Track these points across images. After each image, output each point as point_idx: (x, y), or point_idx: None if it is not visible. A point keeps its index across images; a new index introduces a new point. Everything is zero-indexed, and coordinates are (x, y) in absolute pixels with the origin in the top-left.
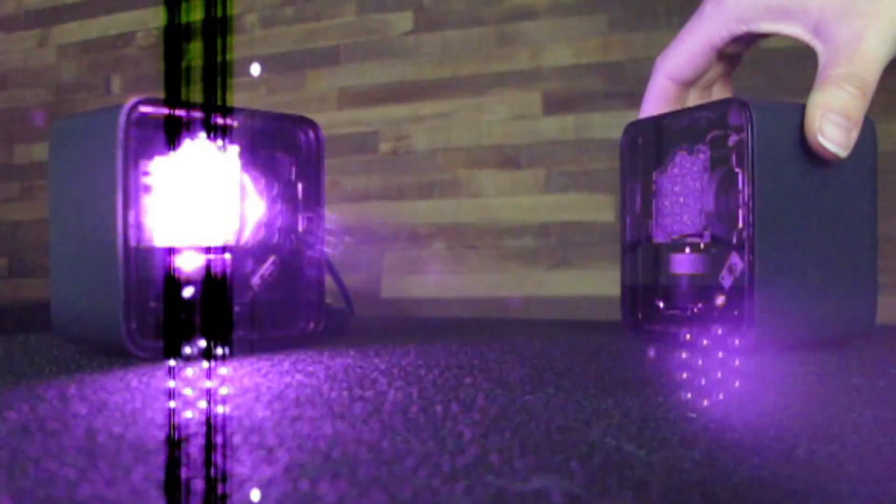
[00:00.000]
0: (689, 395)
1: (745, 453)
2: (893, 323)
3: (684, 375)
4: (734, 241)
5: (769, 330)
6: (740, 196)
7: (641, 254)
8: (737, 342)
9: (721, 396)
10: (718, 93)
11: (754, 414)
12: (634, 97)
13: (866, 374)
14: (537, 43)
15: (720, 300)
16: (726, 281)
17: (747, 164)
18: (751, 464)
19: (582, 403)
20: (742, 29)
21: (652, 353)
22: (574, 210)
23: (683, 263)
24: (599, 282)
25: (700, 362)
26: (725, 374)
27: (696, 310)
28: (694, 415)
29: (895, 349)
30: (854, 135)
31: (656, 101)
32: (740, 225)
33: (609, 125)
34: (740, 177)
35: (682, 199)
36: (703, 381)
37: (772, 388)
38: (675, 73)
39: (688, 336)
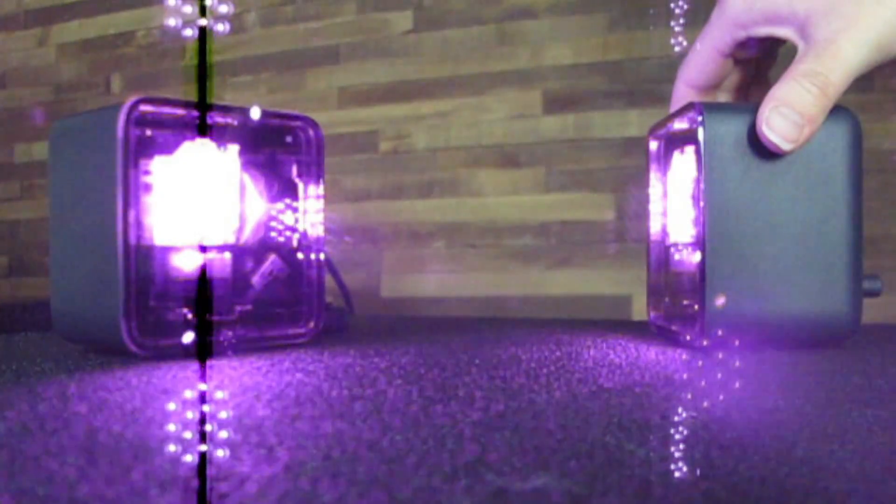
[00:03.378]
0: (689, 395)
1: (744, 452)
2: (894, 322)
3: (684, 375)
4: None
5: (722, 327)
6: (695, 196)
7: (663, 253)
8: (688, 338)
9: (721, 396)
10: (755, 95)
11: (754, 413)
12: (634, 96)
13: (866, 373)
14: (537, 42)
15: (720, 300)
16: (700, 278)
17: (698, 164)
18: (750, 463)
19: (581, 402)
20: (742, 34)
21: (652, 352)
22: (574, 209)
23: (679, 262)
24: (599, 281)
25: (700, 362)
26: (725, 374)
27: (694, 308)
28: (694, 413)
29: (894, 349)
30: (807, 132)
31: (678, 106)
32: (699, 223)
33: (609, 124)
34: (696, 177)
35: (676, 200)
36: (703, 381)
37: (772, 388)
38: (690, 80)
39: (688, 336)
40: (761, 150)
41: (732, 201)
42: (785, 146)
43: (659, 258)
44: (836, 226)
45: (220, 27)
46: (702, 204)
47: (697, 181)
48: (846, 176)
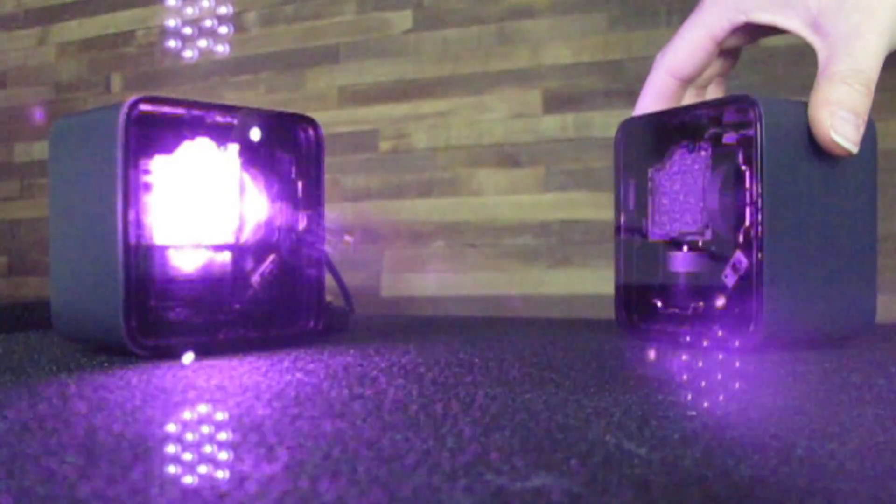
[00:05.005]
0: (689, 395)
1: (744, 452)
2: (893, 321)
3: (684, 376)
4: (741, 239)
5: (775, 328)
6: (747, 194)
7: (637, 252)
8: (737, 342)
9: (721, 396)
10: (713, 93)
11: (754, 412)
12: (634, 96)
13: (866, 372)
14: (537, 41)
15: (720, 301)
16: (730, 279)
17: (756, 161)
18: (750, 462)
19: (582, 402)
20: (741, 19)
21: (652, 352)
22: (574, 208)
23: (682, 262)
24: (599, 280)
25: (700, 362)
26: (725, 374)
27: (695, 308)
28: (694, 413)
29: (894, 349)
30: (861, 130)
31: (655, 97)
32: (747, 223)
33: (609, 124)
34: (747, 174)
35: (681, 197)
36: (703, 381)
37: (772, 387)
38: (676, 68)
39: (687, 337)
40: (810, 146)
41: (787, 200)
42: (854, 149)
43: (642, 257)
44: (865, 224)
45: (220, 48)
46: (759, 202)
47: (751, 178)
48: (869, 174)
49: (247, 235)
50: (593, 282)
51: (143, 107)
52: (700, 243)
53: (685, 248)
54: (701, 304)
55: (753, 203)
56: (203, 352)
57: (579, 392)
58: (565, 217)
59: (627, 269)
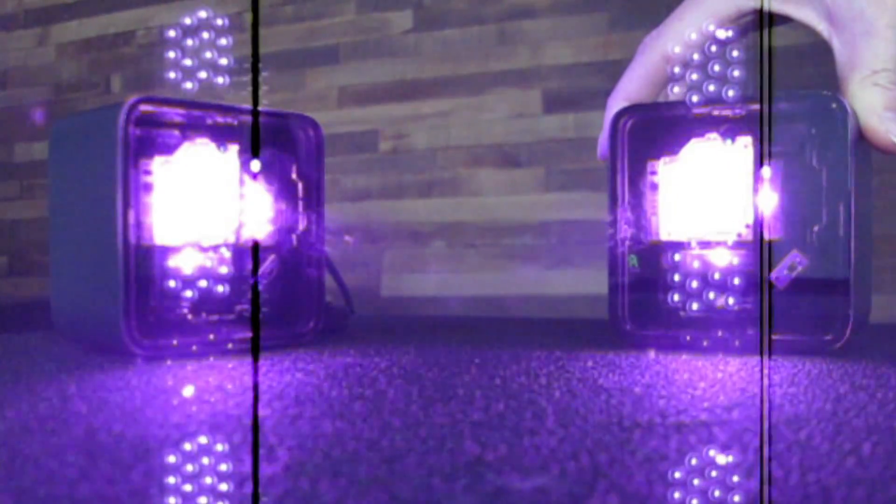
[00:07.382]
0: (689, 395)
1: (744, 453)
2: (892, 321)
3: (685, 376)
4: (807, 238)
5: (855, 329)
6: (823, 192)
7: (636, 250)
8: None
9: (721, 396)
10: (675, 93)
11: (754, 413)
12: None
13: (865, 372)
14: (537, 41)
15: (721, 301)
16: (782, 280)
17: (848, 159)
18: (750, 463)
19: (582, 402)
20: (750, 5)
21: (651, 352)
22: (574, 209)
23: (703, 262)
24: (600, 280)
25: (700, 363)
26: (725, 375)
27: (721, 310)
28: (695, 414)
29: (893, 347)
30: None
31: (646, 82)
32: (824, 222)
33: None
34: (825, 173)
35: (706, 193)
36: (702, 382)
37: (770, 388)
38: (673, 54)
39: (688, 338)
40: (857, 146)
41: (860, 198)
42: None
43: (643, 256)
44: (868, 220)
45: (220, 80)
46: (848, 201)
47: (828, 176)
48: (871, 172)
49: (247, 236)
50: (593, 282)
51: (144, 107)
52: (729, 242)
53: (704, 247)
54: (729, 305)
55: (839, 201)
56: (203, 352)
57: (579, 392)
58: (565, 217)
59: (625, 268)
